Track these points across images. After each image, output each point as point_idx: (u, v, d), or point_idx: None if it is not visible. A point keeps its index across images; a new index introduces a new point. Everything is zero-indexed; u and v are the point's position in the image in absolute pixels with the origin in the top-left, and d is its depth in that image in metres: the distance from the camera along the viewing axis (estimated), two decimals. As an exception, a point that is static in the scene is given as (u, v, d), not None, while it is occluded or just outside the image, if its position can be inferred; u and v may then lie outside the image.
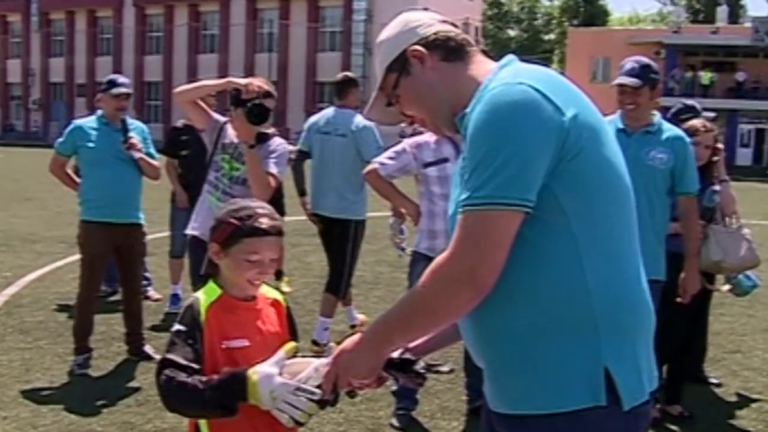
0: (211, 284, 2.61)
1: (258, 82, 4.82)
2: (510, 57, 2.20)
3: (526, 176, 1.92)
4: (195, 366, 2.40)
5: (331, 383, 2.22)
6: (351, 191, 6.68)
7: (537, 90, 1.95)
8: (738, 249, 5.46)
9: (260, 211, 2.56)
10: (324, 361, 2.27)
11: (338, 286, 6.88)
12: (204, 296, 2.56)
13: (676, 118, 6.12)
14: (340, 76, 7.09)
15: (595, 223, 2.01)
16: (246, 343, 2.52)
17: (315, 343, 6.63)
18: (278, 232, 2.56)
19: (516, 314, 2.02)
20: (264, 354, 2.43)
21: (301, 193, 7.18)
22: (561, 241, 1.99)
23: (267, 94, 4.87)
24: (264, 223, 2.53)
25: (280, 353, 2.39)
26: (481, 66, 2.20)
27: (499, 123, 1.94)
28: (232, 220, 2.53)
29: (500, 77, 2.05)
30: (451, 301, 1.97)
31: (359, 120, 6.65)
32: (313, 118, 7.05)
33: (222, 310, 2.53)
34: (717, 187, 5.50)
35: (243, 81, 4.77)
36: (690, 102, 6.63)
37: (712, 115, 6.62)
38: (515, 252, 1.97)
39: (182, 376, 2.36)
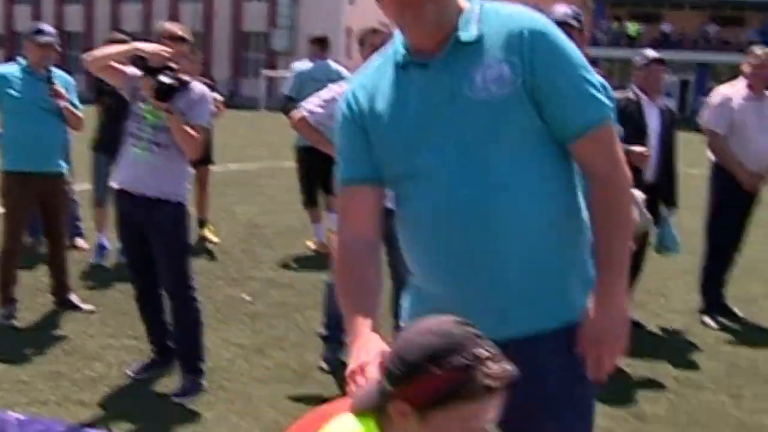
0: (369, 423, 1.72)
1: (170, 28, 4.75)
2: None
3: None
4: None
5: (602, 368, 2.13)
6: None
7: None
8: None
9: (485, 352, 1.65)
10: None
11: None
12: None
13: None
14: (322, 34, 8.82)
15: None
16: None
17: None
18: (510, 382, 1.68)
19: (564, 228, 2.17)
20: None
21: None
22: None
23: (182, 39, 4.79)
24: (496, 374, 1.64)
25: None
26: None
27: (573, 48, 2.17)
28: (441, 373, 1.61)
29: (509, 8, 2.21)
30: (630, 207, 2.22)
31: (337, 67, 8.42)
32: (300, 67, 8.51)
33: None
34: None
35: (148, 48, 4.63)
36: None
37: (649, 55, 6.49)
38: (563, 170, 2.17)
39: None
